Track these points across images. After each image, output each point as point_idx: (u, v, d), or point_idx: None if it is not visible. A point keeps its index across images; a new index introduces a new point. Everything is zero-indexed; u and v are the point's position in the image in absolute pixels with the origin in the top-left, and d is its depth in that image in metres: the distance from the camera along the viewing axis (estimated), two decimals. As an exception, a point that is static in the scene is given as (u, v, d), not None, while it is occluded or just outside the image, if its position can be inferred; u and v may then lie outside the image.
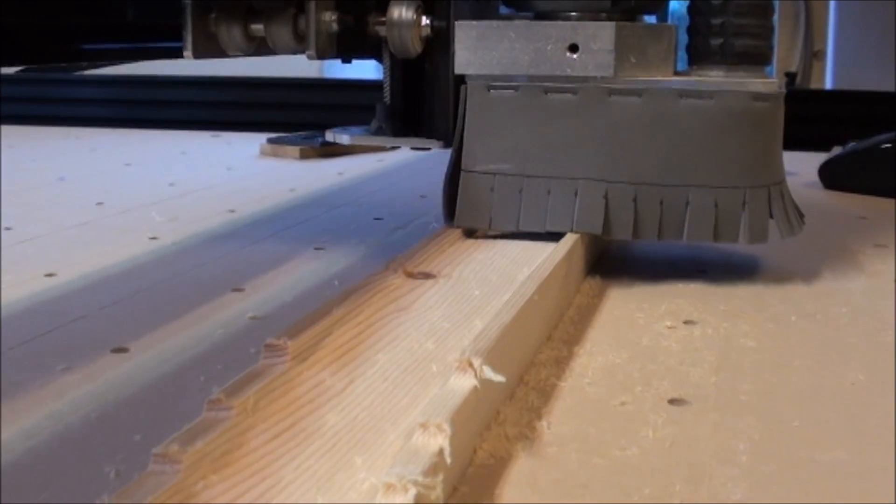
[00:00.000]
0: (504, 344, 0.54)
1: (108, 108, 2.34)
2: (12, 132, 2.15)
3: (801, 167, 1.58)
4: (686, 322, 0.74)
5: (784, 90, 0.87)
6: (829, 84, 2.34)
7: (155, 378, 0.63)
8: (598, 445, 0.52)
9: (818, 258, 0.95)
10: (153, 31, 0.88)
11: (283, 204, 1.27)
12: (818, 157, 1.51)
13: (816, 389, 0.61)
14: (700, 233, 0.83)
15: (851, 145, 1.44)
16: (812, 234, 1.04)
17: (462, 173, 0.86)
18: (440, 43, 0.90)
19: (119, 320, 0.75)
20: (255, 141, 1.84)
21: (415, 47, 0.89)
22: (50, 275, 0.88)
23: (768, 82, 0.85)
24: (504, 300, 0.61)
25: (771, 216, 0.85)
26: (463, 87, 0.86)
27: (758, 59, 0.88)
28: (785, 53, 2.31)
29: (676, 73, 0.88)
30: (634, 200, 0.83)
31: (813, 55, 2.34)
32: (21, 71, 2.43)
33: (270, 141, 1.78)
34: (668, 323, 0.74)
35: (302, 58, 0.96)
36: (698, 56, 0.88)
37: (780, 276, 0.88)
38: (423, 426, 0.43)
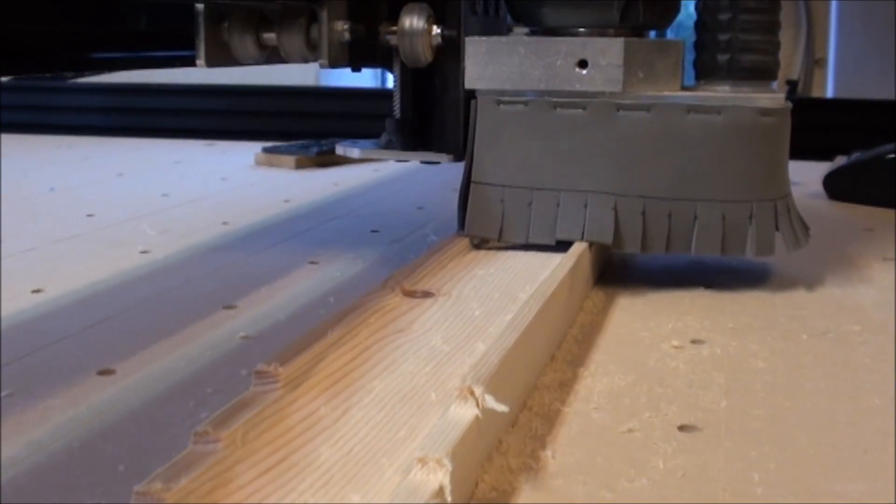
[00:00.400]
0: (507, 369, 0.52)
1: (102, 116, 2.31)
2: (3, 140, 2.12)
3: (804, 177, 1.55)
4: (693, 341, 0.72)
5: (790, 105, 0.86)
6: (830, 92, 2.32)
7: (141, 403, 0.60)
8: (605, 477, 0.49)
9: (826, 272, 0.93)
10: (166, 40, 0.88)
11: (278, 215, 1.25)
12: (820, 167, 1.49)
13: (832, 414, 0.58)
14: (708, 246, 0.84)
15: (856, 155, 1.42)
16: (819, 248, 1.02)
17: (472, 185, 0.87)
18: (451, 52, 0.90)
19: (106, 340, 0.73)
20: (249, 150, 1.82)
21: (426, 56, 0.89)
22: (37, 291, 0.86)
23: (775, 97, 0.85)
24: (506, 321, 0.59)
25: (777, 229, 0.85)
26: (473, 101, 0.87)
27: (764, 74, 0.88)
28: (786, 61, 2.29)
29: (684, 89, 0.88)
30: (643, 214, 0.83)
31: (814, 63, 2.32)
32: (14, 78, 2.41)
33: (266, 150, 1.76)
34: (675, 342, 0.71)
35: (297, 66, 0.95)
36: (705, 71, 0.89)
37: (789, 291, 0.86)
38: (422, 461, 0.40)
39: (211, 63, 0.84)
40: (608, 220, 0.83)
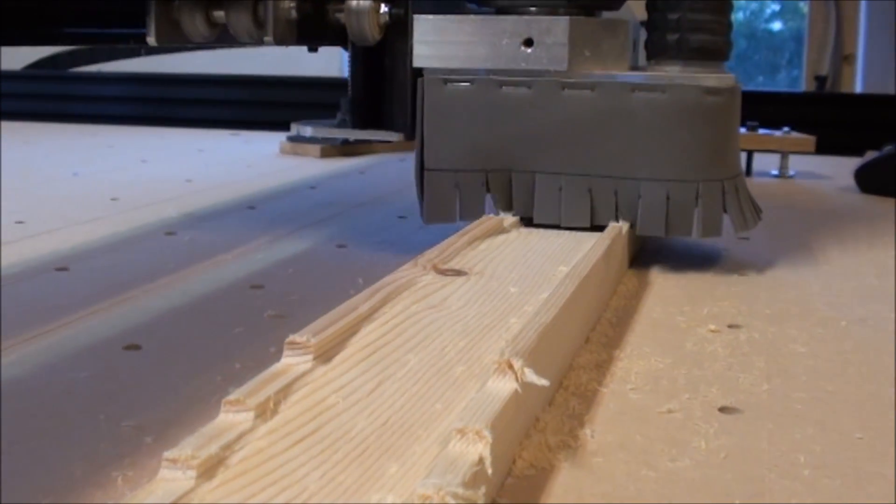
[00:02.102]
0: (544, 345, 0.50)
1: (126, 105, 2.31)
2: (28, 128, 2.12)
3: (835, 171, 1.54)
4: (731, 326, 0.70)
5: (739, 85, 0.86)
6: (859, 88, 2.30)
7: (168, 377, 0.59)
8: (646, 456, 0.48)
9: (863, 262, 0.91)
10: (120, 17, 0.89)
11: (304, 201, 1.23)
12: (850, 162, 1.48)
13: (875, 398, 0.57)
14: (652, 225, 0.83)
15: (888, 149, 1.40)
16: (854, 239, 1.00)
17: (426, 172, 0.86)
18: (399, 30, 0.90)
19: (131, 317, 0.71)
20: (274, 140, 1.81)
21: (373, 35, 0.89)
22: (61, 269, 0.85)
23: (722, 77, 0.84)
24: (542, 299, 0.57)
25: (725, 210, 0.84)
26: (420, 80, 0.86)
27: (714, 54, 0.86)
28: (815, 57, 2.27)
29: (633, 68, 0.87)
30: (589, 191, 0.84)
31: (843, 59, 2.30)
32: (29, 66, 2.42)
33: (290, 139, 1.75)
34: (712, 326, 0.70)
35: (321, 56, 0.96)
36: (655, 51, 0.87)
37: (825, 279, 0.84)
38: (461, 432, 0.39)
39: (161, 40, 0.84)
40: (556, 201, 0.84)
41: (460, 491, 0.34)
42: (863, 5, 2.32)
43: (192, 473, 0.36)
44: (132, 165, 1.57)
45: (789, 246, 0.97)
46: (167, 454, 0.37)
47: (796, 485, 0.45)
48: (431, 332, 0.54)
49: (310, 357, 0.48)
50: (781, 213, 1.18)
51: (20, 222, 1.05)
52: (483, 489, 0.36)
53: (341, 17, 0.89)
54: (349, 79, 0.96)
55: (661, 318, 0.72)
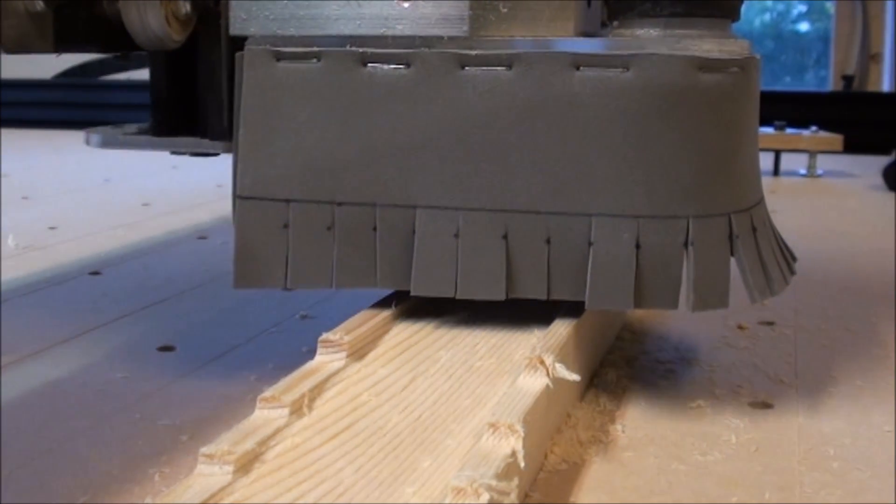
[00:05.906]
0: (575, 341, 0.51)
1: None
2: (58, 136, 2.14)
3: (862, 169, 1.54)
4: (761, 322, 0.70)
5: (756, 56, 0.54)
6: (886, 87, 2.29)
7: (202, 377, 0.60)
8: (676, 450, 0.48)
9: (890, 259, 0.91)
10: None
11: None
12: (878, 160, 1.47)
13: (906, 393, 0.57)
14: (611, 291, 0.51)
15: (917, 147, 1.40)
16: (884, 237, 1.00)
17: (238, 201, 0.56)
18: (210, 27, 0.60)
19: (166, 319, 0.72)
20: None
21: (169, 36, 0.58)
22: (95, 273, 0.86)
23: (728, 42, 0.53)
24: (572, 296, 0.58)
25: (732, 255, 0.53)
26: (238, 55, 0.56)
27: (715, 7, 0.54)
28: (842, 57, 2.27)
29: (585, 34, 0.58)
30: (505, 238, 0.53)
31: (870, 58, 2.29)
32: (59, 75, 2.43)
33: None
34: (743, 323, 0.70)
35: None
36: (621, 6, 0.55)
37: (855, 277, 0.84)
38: (494, 427, 0.39)
39: None
40: (448, 257, 0.53)
41: (493, 483, 0.35)
42: (889, 4, 2.31)
43: (229, 468, 0.37)
44: (163, 171, 1.58)
45: (819, 235, 0.97)
46: (204, 450, 0.37)
47: (826, 477, 0.46)
48: (462, 330, 0.55)
49: (343, 354, 0.48)
50: (812, 209, 1.18)
51: (53, 228, 1.06)
52: (516, 481, 0.37)
53: (120, 8, 0.57)
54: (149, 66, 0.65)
55: (691, 315, 0.72)
